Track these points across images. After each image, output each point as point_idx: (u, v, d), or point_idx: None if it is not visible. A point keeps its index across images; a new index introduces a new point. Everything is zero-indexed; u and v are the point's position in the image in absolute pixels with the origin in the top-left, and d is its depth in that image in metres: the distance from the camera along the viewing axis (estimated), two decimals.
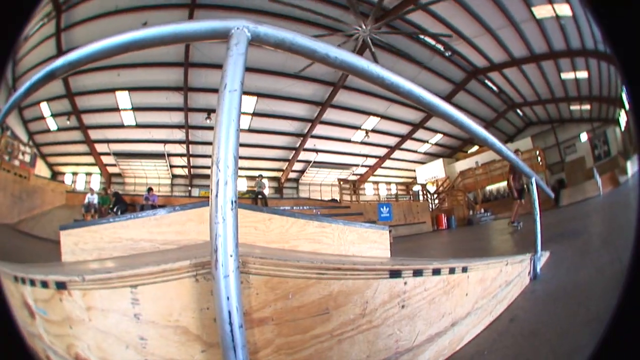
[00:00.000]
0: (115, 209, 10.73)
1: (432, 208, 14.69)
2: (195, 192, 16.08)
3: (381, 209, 12.27)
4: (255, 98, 13.07)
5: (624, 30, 0.96)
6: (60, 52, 12.44)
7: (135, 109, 14.86)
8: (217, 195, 0.96)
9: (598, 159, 10.21)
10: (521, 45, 11.31)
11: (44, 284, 1.29)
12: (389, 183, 17.74)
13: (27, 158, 13.64)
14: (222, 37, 1.03)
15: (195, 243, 3.55)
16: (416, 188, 16.57)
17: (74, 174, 19.69)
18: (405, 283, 1.44)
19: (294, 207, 11.28)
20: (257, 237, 3.20)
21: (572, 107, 12.38)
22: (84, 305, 1.15)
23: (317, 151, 14.87)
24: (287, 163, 15.18)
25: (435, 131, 16.05)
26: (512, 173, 7.43)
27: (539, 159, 12.78)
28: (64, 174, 19.53)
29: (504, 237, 6.46)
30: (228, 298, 0.86)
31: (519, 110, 14.70)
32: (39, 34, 11.69)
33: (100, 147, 16.33)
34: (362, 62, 1.20)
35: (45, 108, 15.73)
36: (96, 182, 17.62)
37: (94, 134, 16.18)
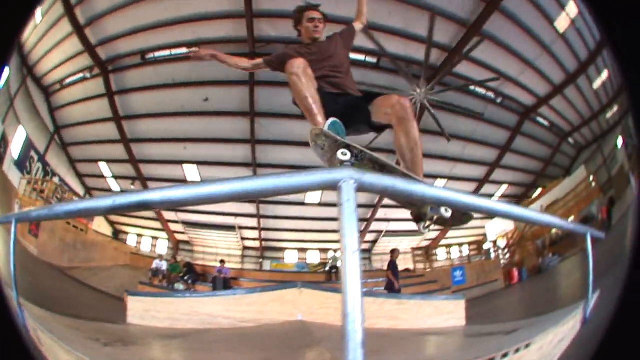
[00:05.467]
0: (186, 278, 10.84)
1: (503, 264, 14.22)
2: (267, 264, 16.32)
3: (455, 273, 12.03)
4: None
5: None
6: (116, 114, 13.35)
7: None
8: None
9: (630, 158, 9.63)
10: (558, 70, 11.30)
11: None
12: (460, 244, 17.35)
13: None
14: (330, 188, 1.14)
15: (275, 322, 3.68)
16: (487, 246, 16.10)
17: (139, 235, 20.35)
18: None
19: (368, 280, 11.25)
20: (337, 316, 3.26)
21: (607, 115, 12.26)
22: None
23: (388, 220, 14.97)
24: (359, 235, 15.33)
25: (500, 183, 15.79)
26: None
27: (593, 184, 12.30)
28: (127, 234, 20.23)
29: (568, 282, 6.41)
30: None
31: (570, 140, 14.34)
32: (79, 88, 12.21)
33: (167, 214, 17.10)
34: (454, 195, 1.30)
35: (105, 168, 16.69)
36: (163, 247, 18.21)
37: None
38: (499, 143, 11.71)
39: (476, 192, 15.24)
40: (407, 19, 8.42)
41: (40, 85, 12.68)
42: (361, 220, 14.79)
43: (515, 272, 12.81)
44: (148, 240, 19.46)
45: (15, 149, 12.27)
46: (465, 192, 1.36)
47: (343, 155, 2.08)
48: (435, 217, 2.04)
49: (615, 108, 11.03)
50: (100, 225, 16.77)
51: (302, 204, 14.77)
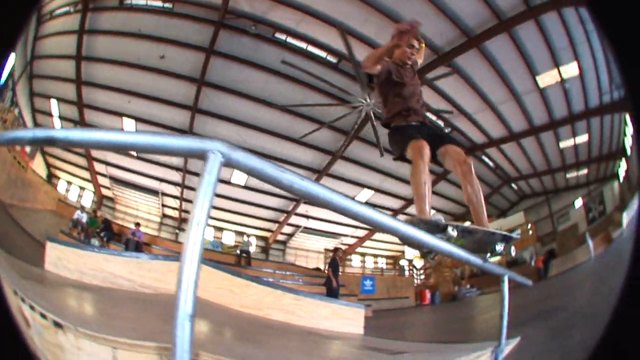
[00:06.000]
0: (102, 235, 10.71)
1: (417, 283, 14.73)
2: (182, 236, 15.94)
3: (365, 281, 12.27)
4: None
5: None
6: (79, 54, 13.19)
7: None
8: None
9: (592, 221, 9.93)
10: (521, 119, 11.43)
11: (43, 316, 1.47)
12: (376, 256, 17.66)
13: (28, 148, 13.70)
14: (198, 157, 1.08)
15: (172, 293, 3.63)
16: (403, 262, 16.56)
17: (69, 182, 19.49)
18: None
19: (277, 271, 11.29)
20: (232, 299, 3.29)
21: (569, 175, 12.33)
22: (75, 344, 1.33)
23: (308, 217, 14.95)
24: (277, 225, 15.26)
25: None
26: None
27: (530, 232, 12.73)
28: (59, 178, 19.38)
29: (484, 317, 6.41)
30: None
31: (513, 185, 14.71)
32: (61, 21, 12.59)
33: (98, 166, 16.35)
34: (324, 192, 1.28)
35: (54, 106, 15.89)
36: (88, 199, 17.48)
37: (96, 152, 15.91)
38: (435, 170, 12.00)
39: (402, 210, 15.53)
40: (380, 29, 8.43)
41: (39, 12, 12.26)
42: (282, 211, 14.82)
43: (428, 294, 13.35)
44: (76, 190, 18.66)
45: (4, 74, 11.77)
46: (349, 198, 1.30)
47: (452, 230, 2.36)
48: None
49: (584, 171, 11.40)
50: (38, 165, 16.09)
51: (228, 182, 13.87)
